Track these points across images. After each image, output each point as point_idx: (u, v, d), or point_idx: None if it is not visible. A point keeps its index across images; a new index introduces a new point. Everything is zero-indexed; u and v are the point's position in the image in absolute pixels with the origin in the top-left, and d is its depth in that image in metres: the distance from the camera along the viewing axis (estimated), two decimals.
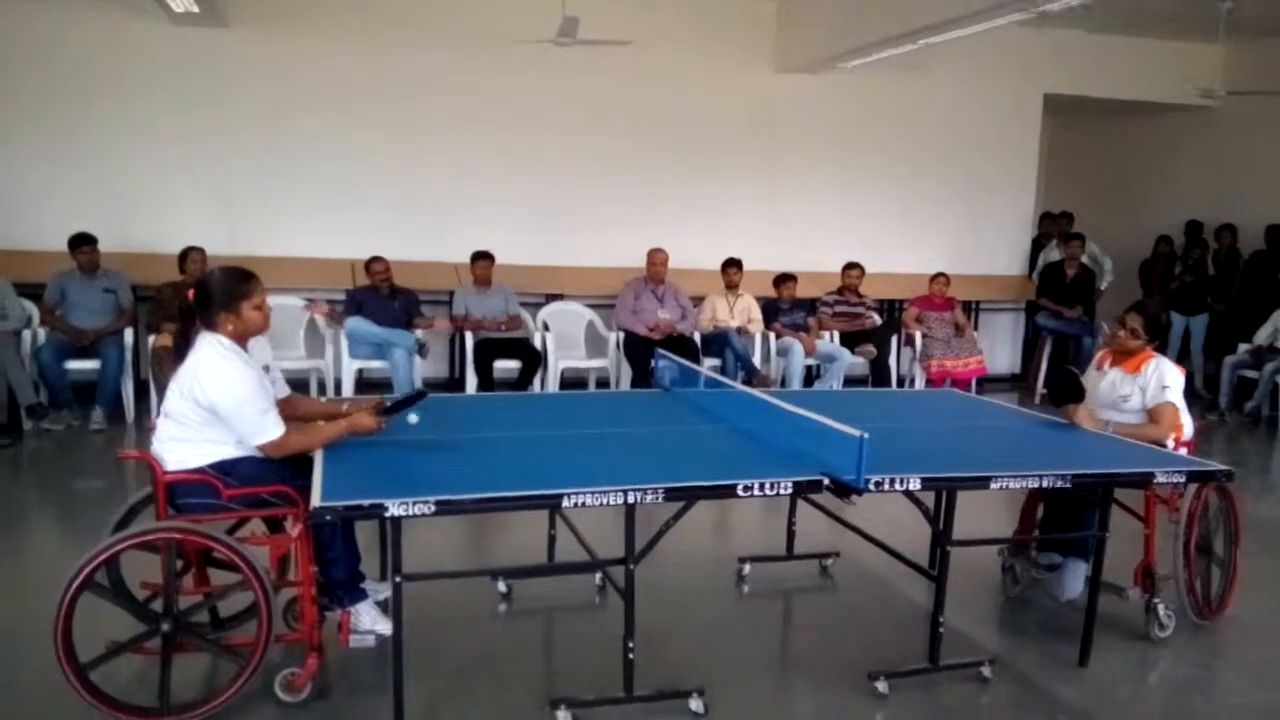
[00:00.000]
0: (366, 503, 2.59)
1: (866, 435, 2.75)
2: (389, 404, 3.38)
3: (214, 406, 3.02)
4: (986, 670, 3.40)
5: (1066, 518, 3.97)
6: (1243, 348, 8.60)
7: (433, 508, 2.60)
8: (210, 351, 3.07)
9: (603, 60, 7.89)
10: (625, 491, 2.72)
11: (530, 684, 3.35)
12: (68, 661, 2.79)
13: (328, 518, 2.55)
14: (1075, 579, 3.95)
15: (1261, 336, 8.47)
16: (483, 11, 8.21)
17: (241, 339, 3.17)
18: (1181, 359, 9.55)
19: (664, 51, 8.55)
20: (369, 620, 3.25)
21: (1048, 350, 9.23)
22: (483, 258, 7.83)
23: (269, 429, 3.08)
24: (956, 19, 6.63)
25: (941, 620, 3.32)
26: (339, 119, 8.13)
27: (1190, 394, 4.44)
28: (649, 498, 2.75)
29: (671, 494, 2.79)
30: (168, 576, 2.98)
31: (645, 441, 3.59)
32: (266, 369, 3.31)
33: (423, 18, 8.15)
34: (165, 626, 2.93)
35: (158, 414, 3.23)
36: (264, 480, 3.10)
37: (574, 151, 8.65)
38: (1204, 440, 6.11)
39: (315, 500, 2.58)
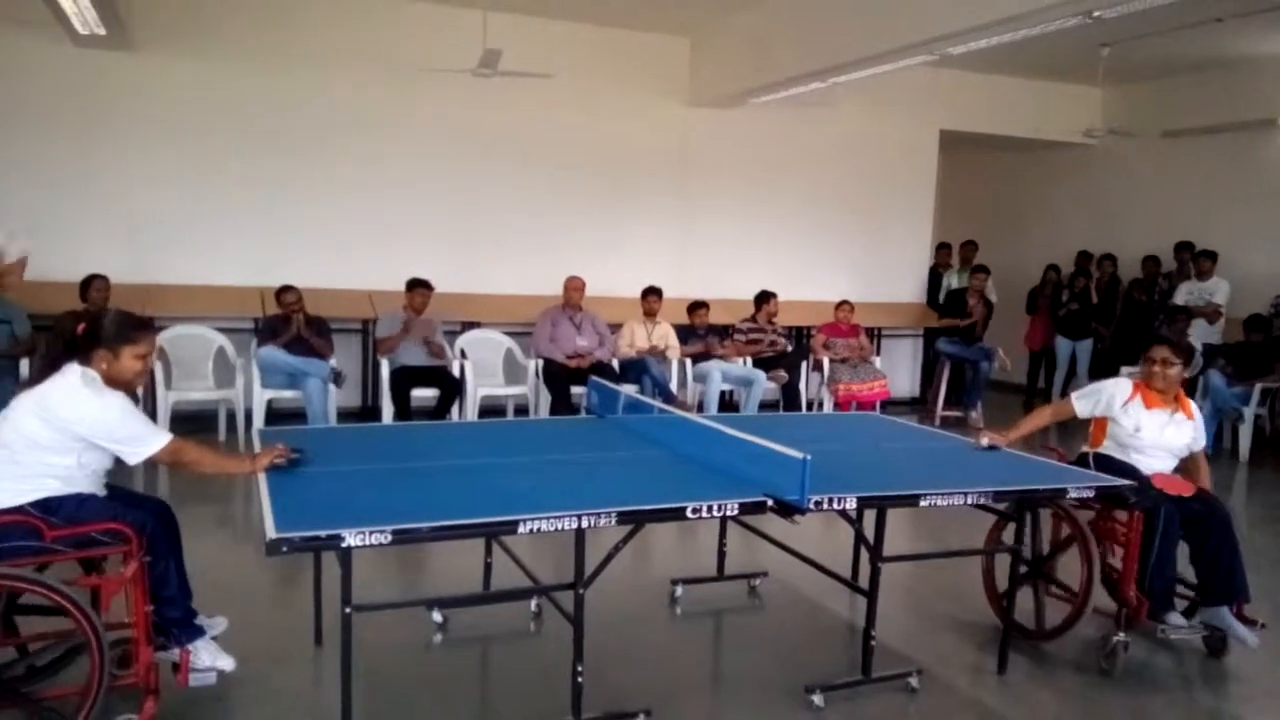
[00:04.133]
0: (324, 534, 2.57)
1: (809, 458, 2.88)
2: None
3: (70, 426, 2.87)
4: (914, 680, 3.57)
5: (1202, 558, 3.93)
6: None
7: (389, 537, 2.61)
8: (74, 376, 2.92)
9: (521, 92, 7.98)
10: (579, 516, 2.78)
11: (476, 712, 3.37)
12: None
13: (284, 550, 2.54)
14: (1239, 624, 3.85)
15: None
16: (402, 40, 8.20)
17: (109, 383, 2.99)
18: (1069, 382, 10.14)
19: (581, 84, 8.69)
20: (208, 657, 3.17)
21: (946, 374, 9.64)
22: (421, 286, 7.70)
23: (157, 436, 2.98)
24: (863, 59, 6.96)
25: (873, 634, 3.48)
26: (248, 146, 8.00)
27: None
28: (602, 521, 2.82)
29: (624, 518, 2.86)
30: None
31: (588, 467, 3.66)
32: None
33: (340, 45, 8.10)
34: None
35: None
36: (92, 518, 2.93)
37: (491, 180, 8.69)
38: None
39: (270, 533, 2.56)
